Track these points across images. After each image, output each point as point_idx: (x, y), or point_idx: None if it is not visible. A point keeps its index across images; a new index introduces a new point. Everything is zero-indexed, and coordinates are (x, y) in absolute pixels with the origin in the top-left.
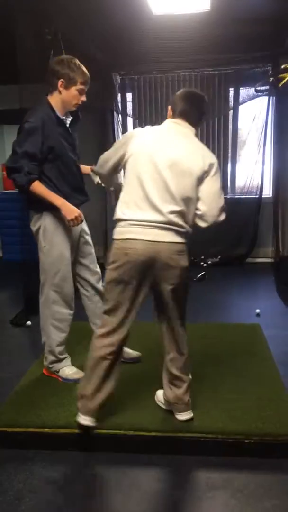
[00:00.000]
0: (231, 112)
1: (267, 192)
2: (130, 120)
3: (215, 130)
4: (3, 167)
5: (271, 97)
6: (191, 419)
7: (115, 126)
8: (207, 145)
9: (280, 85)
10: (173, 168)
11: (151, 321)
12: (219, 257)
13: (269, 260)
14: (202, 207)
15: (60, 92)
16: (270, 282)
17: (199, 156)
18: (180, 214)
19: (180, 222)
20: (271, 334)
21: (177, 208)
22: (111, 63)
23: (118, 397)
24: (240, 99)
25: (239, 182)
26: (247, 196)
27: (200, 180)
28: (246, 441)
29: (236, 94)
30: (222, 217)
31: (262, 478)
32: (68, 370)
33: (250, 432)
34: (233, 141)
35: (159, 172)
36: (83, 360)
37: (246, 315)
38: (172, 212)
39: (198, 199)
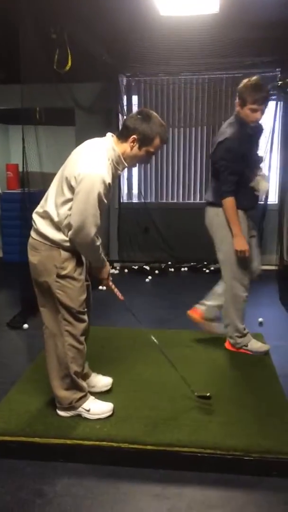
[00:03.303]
0: None
1: (273, 199)
2: None
3: None
4: (7, 167)
5: (278, 102)
6: None
7: (120, 128)
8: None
9: None
10: None
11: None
12: None
13: (273, 267)
14: None
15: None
16: (274, 290)
17: None
18: None
19: None
20: (274, 345)
21: None
22: (117, 64)
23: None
24: None
25: None
26: None
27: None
28: (245, 458)
29: None
30: None
31: (262, 499)
32: (256, 344)
33: (249, 449)
34: None
35: None
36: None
37: (248, 323)
38: None
39: None
